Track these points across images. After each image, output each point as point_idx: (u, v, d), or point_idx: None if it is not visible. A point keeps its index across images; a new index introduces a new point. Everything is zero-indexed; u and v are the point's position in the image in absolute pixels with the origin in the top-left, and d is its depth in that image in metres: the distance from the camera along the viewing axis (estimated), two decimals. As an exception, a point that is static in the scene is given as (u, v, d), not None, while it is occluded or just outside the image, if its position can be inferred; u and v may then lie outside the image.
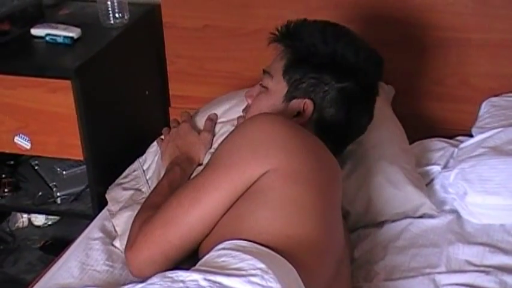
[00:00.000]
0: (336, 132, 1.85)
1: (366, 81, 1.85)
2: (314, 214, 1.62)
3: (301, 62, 1.82)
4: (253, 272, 1.46)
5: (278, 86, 1.84)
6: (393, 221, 2.09)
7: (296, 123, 1.74)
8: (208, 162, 1.75)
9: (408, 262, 1.92)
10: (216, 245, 1.58)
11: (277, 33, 1.87)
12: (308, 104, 1.81)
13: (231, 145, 1.68)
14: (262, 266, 1.47)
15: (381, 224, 2.08)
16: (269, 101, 1.85)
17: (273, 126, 1.66)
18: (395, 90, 2.52)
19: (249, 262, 1.48)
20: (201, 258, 1.59)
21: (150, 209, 1.76)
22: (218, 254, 1.54)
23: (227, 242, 1.57)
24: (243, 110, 1.95)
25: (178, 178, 1.94)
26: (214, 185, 1.64)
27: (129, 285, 1.57)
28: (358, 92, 1.83)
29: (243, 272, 1.45)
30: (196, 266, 1.55)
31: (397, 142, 2.21)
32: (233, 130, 1.78)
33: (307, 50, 1.82)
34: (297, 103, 1.82)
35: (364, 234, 2.06)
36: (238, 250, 1.52)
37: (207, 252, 1.58)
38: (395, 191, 2.05)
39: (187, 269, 1.53)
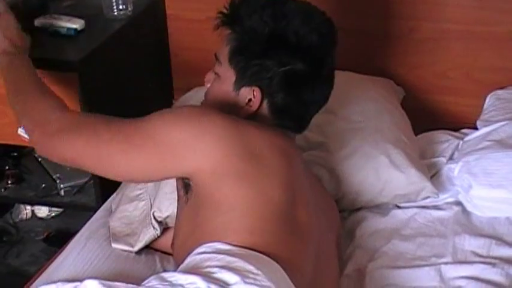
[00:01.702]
0: (293, 113, 1.78)
1: (311, 58, 1.74)
2: (272, 206, 1.61)
3: (243, 49, 1.75)
4: (244, 273, 1.47)
5: (227, 74, 1.78)
6: (399, 207, 2.10)
7: (241, 122, 1.68)
8: (154, 118, 1.71)
9: (414, 250, 1.93)
10: (192, 250, 1.59)
11: (221, 16, 1.78)
12: (256, 92, 1.74)
13: (169, 125, 1.66)
14: (250, 267, 1.48)
15: (387, 210, 2.09)
16: (221, 88, 1.79)
17: (217, 125, 1.63)
18: (399, 83, 2.52)
19: (237, 264, 1.49)
20: (179, 264, 1.61)
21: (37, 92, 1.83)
22: (201, 258, 1.54)
23: (206, 245, 1.57)
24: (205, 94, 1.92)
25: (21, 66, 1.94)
26: (147, 152, 1.64)
27: (130, 286, 1.57)
28: (305, 71, 1.73)
29: (236, 275, 1.46)
30: (181, 270, 1.56)
31: (402, 130, 2.22)
32: (186, 109, 1.77)
33: (247, 36, 1.75)
34: (246, 91, 1.75)
35: (367, 216, 2.07)
36: (221, 253, 1.53)
37: (184, 259, 1.59)
38: (398, 172, 2.06)
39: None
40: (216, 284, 1.45)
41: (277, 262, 1.55)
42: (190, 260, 1.57)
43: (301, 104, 1.78)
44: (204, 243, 1.58)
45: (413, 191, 2.07)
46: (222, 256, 1.52)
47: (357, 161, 2.08)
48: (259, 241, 1.57)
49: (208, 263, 1.51)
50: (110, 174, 1.72)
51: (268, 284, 1.46)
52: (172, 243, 1.80)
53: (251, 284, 1.45)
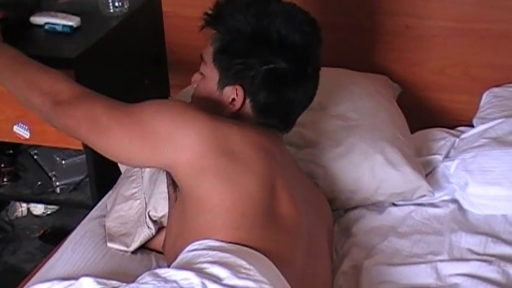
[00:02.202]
0: (276, 112, 1.79)
1: (294, 56, 1.75)
2: (251, 202, 1.62)
3: (226, 48, 1.77)
4: (237, 268, 1.48)
5: (212, 74, 1.79)
6: (396, 205, 2.10)
7: (222, 120, 1.69)
8: (145, 105, 1.72)
9: (411, 247, 1.93)
10: (180, 251, 1.60)
11: (206, 16, 1.80)
12: (239, 90, 1.75)
13: (156, 114, 1.68)
14: (242, 262, 1.49)
15: (383, 208, 2.10)
16: (205, 88, 1.81)
17: (197, 120, 1.64)
18: (396, 79, 2.52)
19: (229, 260, 1.50)
20: (171, 262, 1.61)
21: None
22: (193, 255, 1.55)
23: (198, 243, 1.58)
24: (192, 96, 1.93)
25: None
26: (129, 135, 1.68)
27: (123, 285, 1.57)
28: (287, 70, 1.74)
29: (228, 270, 1.47)
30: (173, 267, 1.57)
31: (398, 127, 2.22)
32: (172, 102, 1.82)
33: (230, 36, 1.76)
34: (229, 90, 1.76)
35: (363, 214, 2.07)
36: (213, 249, 1.54)
37: (175, 257, 1.60)
38: (393, 171, 2.06)
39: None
40: (209, 279, 1.45)
41: (268, 256, 1.56)
42: (182, 257, 1.58)
43: (285, 102, 1.78)
44: (194, 241, 1.59)
45: (409, 189, 2.07)
46: (214, 252, 1.53)
47: (352, 159, 2.08)
48: (246, 237, 1.59)
49: (200, 259, 1.52)
50: (101, 149, 1.75)
51: (261, 278, 1.47)
52: (164, 244, 1.81)
53: (244, 278, 1.46)
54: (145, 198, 2.01)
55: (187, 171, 1.63)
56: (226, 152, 1.63)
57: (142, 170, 2.12)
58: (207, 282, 1.44)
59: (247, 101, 1.76)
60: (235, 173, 1.63)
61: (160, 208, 1.95)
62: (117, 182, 2.16)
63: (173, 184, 1.73)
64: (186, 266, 1.52)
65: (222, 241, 1.57)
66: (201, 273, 1.47)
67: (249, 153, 1.66)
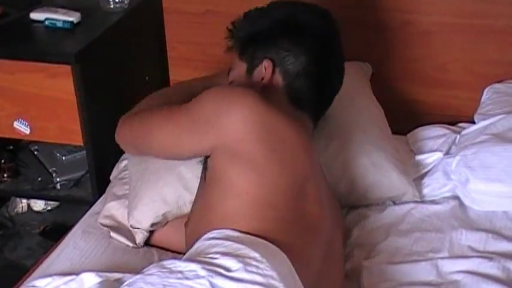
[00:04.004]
0: (307, 82, 1.83)
1: (319, 32, 1.85)
2: (282, 195, 1.62)
3: (251, 40, 1.86)
4: (248, 261, 1.47)
5: (240, 69, 1.87)
6: (396, 204, 2.10)
7: (271, 107, 1.70)
8: (198, 98, 1.76)
9: (411, 245, 1.93)
10: (202, 234, 1.59)
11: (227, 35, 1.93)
12: (267, 64, 1.81)
13: (204, 102, 1.72)
14: (255, 255, 1.48)
15: (384, 207, 2.09)
16: (239, 82, 1.87)
17: (243, 104, 1.66)
18: (397, 75, 2.51)
19: (243, 251, 1.49)
20: (189, 247, 1.61)
21: (161, 99, 1.96)
22: (209, 244, 1.55)
23: (217, 231, 1.58)
24: None
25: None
26: (179, 126, 1.75)
27: (127, 276, 1.57)
28: (312, 42, 1.83)
29: (239, 262, 1.46)
30: (187, 256, 1.56)
31: (381, 126, 2.21)
32: (225, 88, 1.81)
33: (251, 30, 1.87)
34: (258, 70, 1.83)
35: (365, 214, 2.07)
36: (229, 240, 1.53)
37: (195, 241, 1.60)
38: (380, 176, 2.06)
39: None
40: (216, 272, 1.44)
41: (285, 251, 1.54)
42: (199, 244, 1.58)
43: (315, 69, 1.82)
44: (215, 228, 1.59)
45: (396, 195, 2.08)
46: (230, 243, 1.52)
47: (337, 165, 2.06)
48: (269, 228, 1.58)
49: (215, 249, 1.51)
50: (158, 148, 1.83)
51: (270, 273, 1.45)
52: (187, 223, 1.80)
53: (251, 272, 1.45)
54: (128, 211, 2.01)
55: (224, 153, 1.64)
56: (266, 140, 1.64)
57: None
58: (213, 275, 1.44)
59: (277, 70, 1.82)
60: (270, 163, 1.63)
61: (146, 220, 1.95)
62: (109, 185, 2.16)
63: (205, 167, 1.74)
64: (200, 255, 1.52)
65: (241, 231, 1.57)
66: (208, 264, 1.46)
67: (288, 146, 1.67)
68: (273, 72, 1.82)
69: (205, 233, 1.59)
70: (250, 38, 1.86)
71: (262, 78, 1.82)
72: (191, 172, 1.93)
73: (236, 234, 1.56)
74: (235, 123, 1.64)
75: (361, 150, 2.08)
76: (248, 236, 1.56)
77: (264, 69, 1.82)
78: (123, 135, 1.95)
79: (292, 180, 1.65)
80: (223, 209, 1.62)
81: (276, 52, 1.82)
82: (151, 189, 1.96)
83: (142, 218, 1.95)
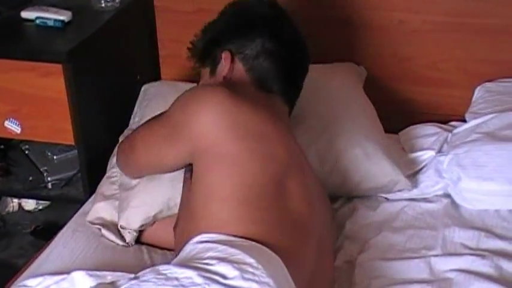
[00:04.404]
0: (268, 61, 1.84)
1: (267, 15, 1.89)
2: (264, 194, 1.61)
3: (208, 45, 1.91)
4: (244, 267, 1.46)
5: (205, 75, 1.91)
6: (388, 200, 2.10)
7: (244, 103, 1.68)
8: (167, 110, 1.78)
9: (404, 242, 1.94)
10: (191, 237, 1.59)
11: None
12: (225, 56, 1.84)
13: (175, 109, 1.73)
14: (251, 261, 1.47)
15: (376, 203, 2.10)
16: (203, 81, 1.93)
17: (209, 103, 1.65)
18: (389, 74, 2.51)
19: (238, 257, 1.48)
20: (179, 249, 1.61)
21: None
22: (203, 248, 1.54)
23: (208, 236, 1.56)
24: None
25: None
26: (157, 138, 1.77)
27: (122, 281, 1.56)
28: (266, 24, 1.86)
29: (235, 269, 1.45)
30: (179, 259, 1.56)
31: (373, 122, 2.23)
32: (190, 91, 1.77)
33: (206, 38, 1.94)
34: (219, 67, 1.86)
35: (357, 207, 2.08)
36: (224, 244, 1.52)
37: (185, 244, 1.59)
38: (373, 166, 2.07)
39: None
40: (212, 280, 1.43)
41: (278, 254, 1.53)
42: (192, 247, 1.56)
43: (272, 47, 1.83)
44: (205, 231, 1.58)
45: (387, 183, 2.09)
46: (224, 247, 1.51)
47: (330, 156, 2.07)
48: (258, 231, 1.57)
49: (209, 254, 1.50)
50: (151, 165, 1.87)
51: (266, 280, 1.44)
52: (175, 226, 1.80)
53: (248, 279, 1.44)
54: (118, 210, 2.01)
55: (202, 157, 1.64)
56: (240, 137, 1.63)
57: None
58: (209, 283, 1.43)
59: (237, 58, 1.84)
60: (249, 160, 1.62)
61: (135, 222, 1.95)
62: (99, 185, 2.16)
63: (190, 171, 1.73)
64: (194, 261, 1.50)
65: (232, 235, 1.55)
66: (205, 271, 1.45)
67: (264, 139, 1.65)
68: (233, 61, 1.83)
69: (194, 236, 1.58)
70: (207, 44, 1.91)
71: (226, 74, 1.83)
72: (181, 173, 1.93)
73: (228, 238, 1.55)
74: (205, 125, 1.63)
75: (354, 140, 2.09)
76: (242, 239, 1.55)
77: (224, 61, 1.83)
78: (118, 160, 2.00)
79: (272, 177, 1.63)
80: (209, 213, 1.60)
81: (232, 43, 1.85)
82: (142, 191, 1.96)
83: (132, 219, 1.95)
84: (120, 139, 2.17)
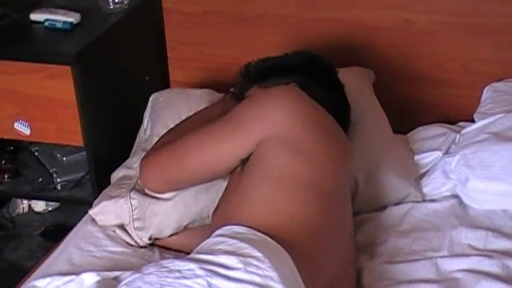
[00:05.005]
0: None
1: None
2: (316, 193, 1.64)
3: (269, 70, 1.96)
4: (249, 260, 1.47)
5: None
6: (395, 204, 2.10)
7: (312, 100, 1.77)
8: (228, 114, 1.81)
9: (410, 245, 1.93)
10: (221, 223, 1.63)
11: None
12: (293, 84, 1.87)
13: (244, 106, 1.78)
14: (258, 254, 1.48)
15: (383, 207, 2.10)
16: None
17: (286, 95, 1.74)
18: (396, 75, 2.51)
19: (245, 251, 1.49)
20: (211, 233, 1.62)
21: (178, 133, 1.93)
22: (216, 241, 1.55)
23: (225, 228, 1.59)
24: None
25: (216, 113, 1.98)
26: (220, 136, 1.77)
27: (127, 274, 1.57)
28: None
29: (240, 262, 1.46)
30: (194, 252, 1.57)
31: (383, 130, 2.22)
32: (256, 94, 1.85)
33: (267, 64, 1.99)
34: None
35: (367, 218, 2.07)
36: (235, 238, 1.54)
37: (217, 228, 1.62)
38: (383, 183, 2.08)
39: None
40: (214, 272, 1.45)
41: (295, 254, 1.54)
42: (207, 240, 1.59)
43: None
44: (246, 213, 1.62)
45: (398, 198, 2.10)
46: (234, 241, 1.53)
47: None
48: (292, 228, 1.60)
49: (219, 247, 1.52)
50: (206, 166, 1.83)
51: (271, 273, 1.45)
52: (214, 211, 1.83)
53: (251, 272, 1.45)
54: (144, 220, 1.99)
55: (271, 142, 1.68)
56: (313, 129, 1.71)
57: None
58: (211, 275, 1.44)
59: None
60: (317, 152, 1.69)
61: (167, 228, 1.96)
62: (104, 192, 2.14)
63: (243, 161, 1.75)
64: (204, 251, 1.53)
65: (251, 227, 1.57)
66: (208, 263, 1.47)
67: (332, 138, 1.75)
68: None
69: (230, 222, 1.61)
70: (269, 69, 1.96)
71: None
72: (215, 185, 1.94)
73: (242, 230, 1.57)
74: (283, 116, 1.69)
75: (365, 157, 2.09)
76: (254, 232, 1.56)
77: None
78: (148, 174, 1.92)
79: (328, 176, 1.69)
80: (258, 193, 1.64)
81: (296, 78, 1.90)
82: (177, 201, 1.96)
83: (164, 228, 1.96)
84: (138, 155, 2.12)
